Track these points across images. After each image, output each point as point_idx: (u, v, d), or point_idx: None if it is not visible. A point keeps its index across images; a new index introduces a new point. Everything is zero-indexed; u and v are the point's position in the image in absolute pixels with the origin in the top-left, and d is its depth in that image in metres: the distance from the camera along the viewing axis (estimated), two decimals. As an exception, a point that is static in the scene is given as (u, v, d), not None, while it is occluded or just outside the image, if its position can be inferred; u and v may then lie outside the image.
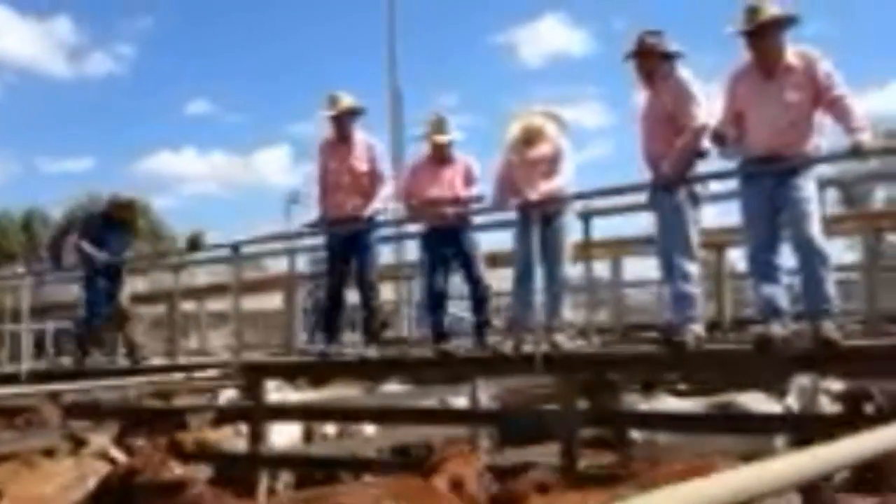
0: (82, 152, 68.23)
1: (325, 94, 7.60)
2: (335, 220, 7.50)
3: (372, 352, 7.41)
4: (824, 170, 6.72)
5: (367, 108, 7.87)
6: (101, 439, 6.09)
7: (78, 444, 6.29)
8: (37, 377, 9.33)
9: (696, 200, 6.01)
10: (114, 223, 9.22)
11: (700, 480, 1.71)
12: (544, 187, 6.65)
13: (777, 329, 5.40)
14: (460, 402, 9.01)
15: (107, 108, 54.02)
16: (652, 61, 6.01)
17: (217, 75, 57.32)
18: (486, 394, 9.09)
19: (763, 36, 5.48)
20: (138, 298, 13.83)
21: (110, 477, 4.61)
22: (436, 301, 7.29)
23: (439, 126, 7.32)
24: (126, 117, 54.07)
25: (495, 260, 8.35)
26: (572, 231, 6.88)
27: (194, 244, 8.33)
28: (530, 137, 6.83)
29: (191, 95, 67.85)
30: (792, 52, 5.50)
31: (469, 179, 7.35)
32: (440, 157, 7.34)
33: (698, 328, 5.89)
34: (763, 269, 5.52)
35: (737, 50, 5.68)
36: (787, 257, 5.52)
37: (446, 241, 7.22)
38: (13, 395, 8.12)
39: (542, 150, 6.82)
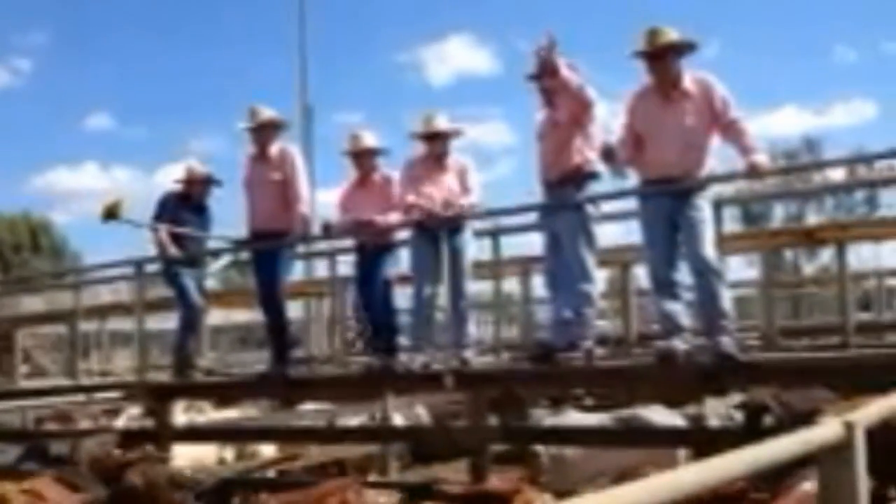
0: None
1: (245, 107, 7.51)
2: (256, 232, 7.42)
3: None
4: (723, 189, 6.97)
5: (288, 122, 7.81)
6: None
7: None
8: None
9: (588, 221, 6.13)
10: (191, 202, 8.16)
11: (608, 491, 1.75)
12: (460, 200, 6.69)
13: (678, 344, 5.56)
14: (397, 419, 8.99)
15: (2, 122, 52.30)
16: (553, 80, 6.11)
17: (117, 89, 56.02)
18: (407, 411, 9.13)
19: (661, 59, 5.65)
20: (37, 318, 13.43)
21: None
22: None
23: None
24: (23, 131, 52.44)
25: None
26: (471, 247, 6.93)
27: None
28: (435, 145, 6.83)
29: (91, 109, 66.18)
30: (689, 78, 5.69)
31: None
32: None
33: (589, 344, 6.04)
34: (664, 286, 5.67)
35: (638, 74, 5.86)
36: (686, 274, 5.68)
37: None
38: None
39: (450, 164, 6.87)
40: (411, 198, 6.81)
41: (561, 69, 5.85)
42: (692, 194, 5.60)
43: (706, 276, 5.48)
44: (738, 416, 7.38)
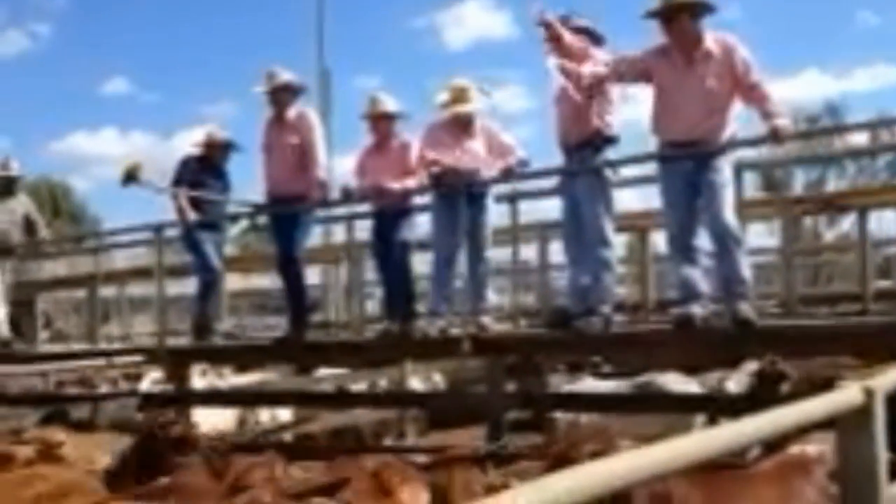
0: (-6, 132, 66.02)
1: (262, 71, 7.48)
2: (273, 196, 7.42)
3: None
4: (744, 154, 6.89)
5: (305, 86, 7.78)
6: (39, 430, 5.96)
7: (14, 433, 6.17)
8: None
9: (607, 186, 6.08)
10: (211, 166, 8.12)
11: (610, 459, 1.74)
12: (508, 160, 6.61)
13: (696, 310, 5.53)
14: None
15: (22, 88, 52.40)
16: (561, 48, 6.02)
17: (134, 53, 55.86)
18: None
19: (676, 20, 5.56)
20: (58, 283, 13.52)
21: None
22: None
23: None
24: (42, 96, 52.52)
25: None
26: (493, 213, 6.88)
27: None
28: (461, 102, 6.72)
29: (109, 74, 66.11)
30: (711, 39, 5.60)
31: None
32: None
33: (607, 310, 6.01)
34: (682, 251, 5.63)
35: (657, 38, 5.76)
36: (705, 240, 5.64)
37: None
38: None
39: (476, 129, 6.79)
40: (432, 154, 6.74)
41: (565, 39, 5.79)
42: (713, 158, 5.54)
43: (725, 240, 5.43)
44: (755, 384, 7.35)
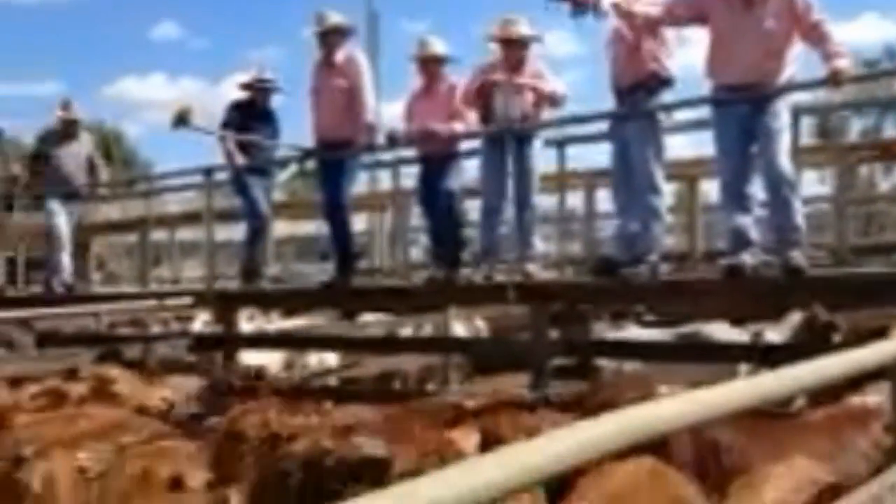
0: (48, 77, 66.94)
1: (312, 14, 7.46)
2: (322, 141, 7.42)
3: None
4: (800, 98, 6.70)
5: (355, 28, 7.74)
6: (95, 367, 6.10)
7: (70, 372, 6.33)
8: (7, 303, 9.29)
9: (659, 130, 5.98)
10: (259, 111, 8.13)
11: (656, 403, 1.73)
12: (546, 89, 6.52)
13: (747, 259, 5.44)
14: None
15: (73, 33, 52.85)
16: None
17: (183, -1, 55.92)
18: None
19: None
20: (111, 226, 13.78)
21: None
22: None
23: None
24: (93, 42, 52.98)
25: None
26: (542, 159, 6.81)
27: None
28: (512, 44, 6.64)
29: (158, 18, 66.38)
30: (770, -22, 5.43)
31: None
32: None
33: (654, 258, 5.95)
34: (735, 198, 5.53)
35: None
36: (759, 188, 5.53)
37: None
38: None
39: (526, 72, 6.69)
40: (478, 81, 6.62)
41: None
42: (770, 101, 5.39)
43: (780, 187, 5.32)
44: (803, 334, 7.25)
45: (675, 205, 11.08)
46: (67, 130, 9.63)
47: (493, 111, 6.62)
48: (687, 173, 8.35)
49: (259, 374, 7.87)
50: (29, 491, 3.62)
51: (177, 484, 3.37)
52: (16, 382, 6.04)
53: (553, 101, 6.68)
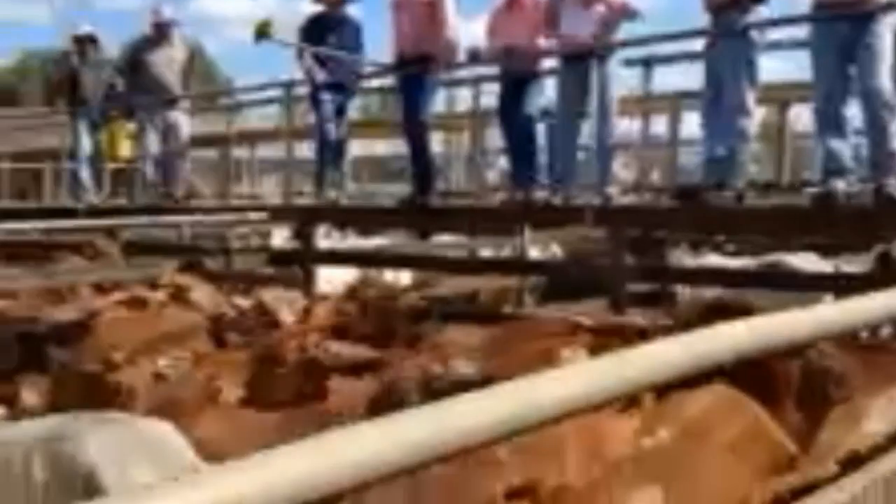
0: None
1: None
2: (402, 56, 7.33)
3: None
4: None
5: None
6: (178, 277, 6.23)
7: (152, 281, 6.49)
8: (94, 213, 9.54)
9: (753, 50, 5.72)
10: (334, 22, 7.90)
11: (733, 324, 1.66)
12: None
13: (840, 185, 5.23)
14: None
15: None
16: None
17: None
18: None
19: None
20: (194, 141, 13.98)
21: None
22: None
23: None
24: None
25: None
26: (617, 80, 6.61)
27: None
28: None
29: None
30: None
31: None
32: None
33: (740, 184, 5.76)
34: (830, 121, 5.30)
35: None
36: (856, 113, 5.29)
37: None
38: (71, 229, 8.29)
39: None
40: None
41: None
42: (873, 20, 5.11)
43: (879, 111, 5.08)
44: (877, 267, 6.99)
45: (760, 133, 10.72)
46: (161, 33, 9.36)
47: (558, 28, 6.44)
48: (778, 97, 8.03)
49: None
50: (119, 393, 3.73)
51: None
52: (101, 289, 6.23)
53: (626, 13, 6.46)
